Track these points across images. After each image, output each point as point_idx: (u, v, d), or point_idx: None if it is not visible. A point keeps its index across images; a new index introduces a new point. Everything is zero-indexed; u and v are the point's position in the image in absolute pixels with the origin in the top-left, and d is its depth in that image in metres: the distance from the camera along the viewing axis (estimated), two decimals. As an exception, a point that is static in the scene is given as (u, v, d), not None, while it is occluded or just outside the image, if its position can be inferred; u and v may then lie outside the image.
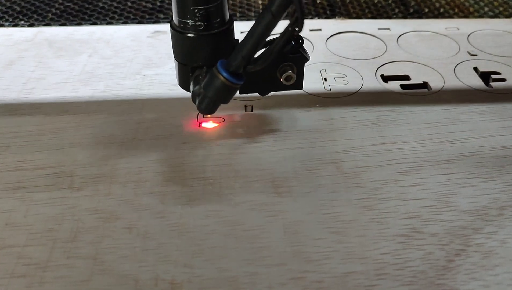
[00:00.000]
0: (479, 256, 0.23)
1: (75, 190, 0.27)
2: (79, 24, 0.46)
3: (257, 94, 0.30)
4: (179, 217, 0.25)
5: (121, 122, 0.32)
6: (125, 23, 0.46)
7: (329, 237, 0.24)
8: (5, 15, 0.47)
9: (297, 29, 0.22)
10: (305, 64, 0.29)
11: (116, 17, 0.47)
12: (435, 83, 0.36)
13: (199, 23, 0.25)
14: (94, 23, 0.46)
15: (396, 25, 0.45)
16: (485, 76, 0.37)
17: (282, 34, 0.24)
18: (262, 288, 0.22)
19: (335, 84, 0.36)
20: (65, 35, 0.43)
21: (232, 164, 0.28)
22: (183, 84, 0.29)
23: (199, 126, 0.31)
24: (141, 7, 0.49)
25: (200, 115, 0.32)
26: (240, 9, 0.49)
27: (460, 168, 0.28)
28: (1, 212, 0.25)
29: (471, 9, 0.49)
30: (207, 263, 0.23)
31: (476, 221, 0.25)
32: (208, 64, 0.27)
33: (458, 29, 0.44)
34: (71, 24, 0.46)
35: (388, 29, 0.44)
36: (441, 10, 0.49)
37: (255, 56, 0.25)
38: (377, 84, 0.36)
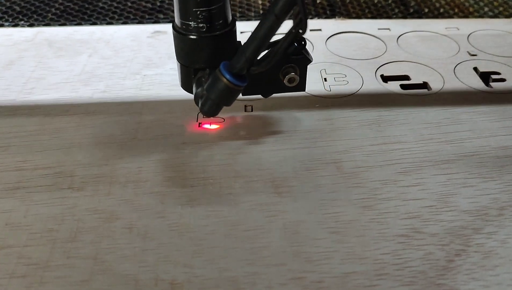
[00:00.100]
0: (479, 256, 0.23)
1: (75, 190, 0.27)
2: (79, 24, 0.46)
3: (258, 96, 0.30)
4: (179, 217, 0.25)
5: (121, 122, 0.32)
6: (125, 23, 0.46)
7: (329, 237, 0.24)
8: (5, 15, 0.47)
9: (301, 30, 0.22)
10: (306, 65, 0.29)
11: (116, 17, 0.47)
12: (435, 83, 0.36)
13: (201, 25, 0.25)
14: (94, 23, 0.46)
15: (396, 25, 0.45)
16: (485, 76, 0.37)
17: (286, 35, 0.23)
18: (262, 288, 0.22)
19: (335, 84, 0.36)
20: (65, 35, 0.43)
21: (232, 164, 0.28)
22: (186, 86, 0.29)
23: (199, 126, 0.31)
24: (141, 7, 0.49)
25: (200, 115, 0.32)
26: (240, 9, 0.49)
27: (460, 168, 0.28)
28: (1, 212, 0.25)
29: (471, 9, 0.49)
30: (207, 263, 0.23)
31: (476, 221, 0.25)
32: (211, 66, 0.27)
33: (458, 29, 0.44)
34: (71, 24, 0.46)
35: (388, 29, 0.44)
36: (441, 10, 0.49)
37: (258, 57, 0.25)
38: (377, 84, 0.36)
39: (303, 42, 0.28)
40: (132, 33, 0.43)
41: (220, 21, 0.26)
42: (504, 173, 0.28)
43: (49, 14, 0.48)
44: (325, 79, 0.36)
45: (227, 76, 0.24)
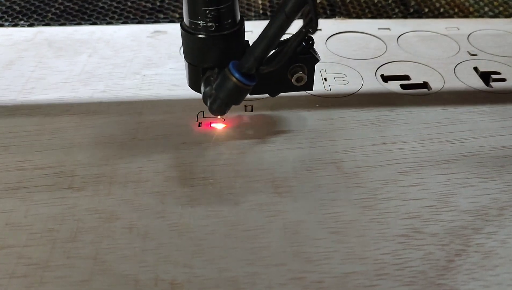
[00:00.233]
0: (479, 256, 0.23)
1: (75, 190, 0.27)
2: (79, 24, 0.46)
3: (259, 95, 0.30)
4: (179, 217, 0.25)
5: (121, 122, 0.32)
6: (125, 23, 0.46)
7: (329, 237, 0.24)
8: (5, 15, 0.47)
9: (311, 30, 0.22)
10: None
11: (116, 17, 0.47)
12: (435, 83, 0.36)
13: (210, 24, 0.25)
14: (94, 23, 0.46)
15: (396, 25, 0.45)
16: (485, 76, 0.37)
17: (296, 35, 0.23)
18: (262, 288, 0.22)
19: (335, 84, 0.36)
20: (65, 35, 0.43)
21: (232, 164, 0.28)
22: (193, 85, 0.29)
23: (199, 126, 0.31)
24: (141, 7, 0.49)
25: (200, 115, 0.32)
26: (240, 9, 0.49)
27: (460, 168, 0.28)
28: (1, 212, 0.25)
29: (471, 9, 0.49)
30: (207, 263, 0.23)
31: (476, 221, 0.25)
32: (219, 65, 0.27)
33: (458, 29, 0.44)
34: (71, 24, 0.46)
35: (388, 29, 0.44)
36: (441, 10, 0.49)
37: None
38: (377, 84, 0.36)
39: (311, 42, 0.28)
40: (132, 33, 0.43)
41: (229, 20, 0.26)
42: (504, 173, 0.28)
43: (49, 14, 0.48)
44: (325, 79, 0.36)
45: (236, 75, 0.24)
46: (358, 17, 0.47)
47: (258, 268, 0.23)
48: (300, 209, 0.26)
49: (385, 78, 0.37)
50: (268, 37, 0.23)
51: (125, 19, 0.47)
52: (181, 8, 0.50)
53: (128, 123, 0.31)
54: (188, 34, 0.26)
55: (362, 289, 0.22)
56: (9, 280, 0.22)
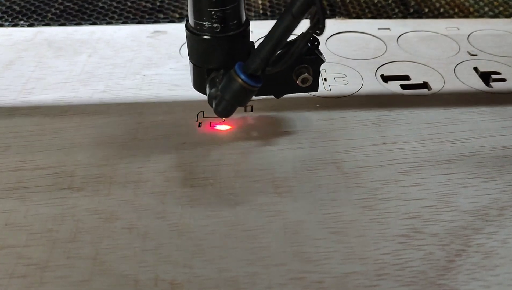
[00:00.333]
0: (479, 256, 0.23)
1: (75, 190, 0.27)
2: (78, 24, 0.46)
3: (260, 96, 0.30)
4: (179, 217, 0.25)
5: (121, 122, 0.32)
6: (125, 23, 0.46)
7: (329, 237, 0.24)
8: (4, 15, 0.47)
9: (318, 31, 0.22)
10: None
11: (116, 17, 0.47)
12: (435, 83, 0.36)
13: (215, 25, 0.25)
14: (94, 23, 0.46)
15: (396, 25, 0.45)
16: (485, 76, 0.37)
17: (303, 36, 0.23)
18: (262, 288, 0.22)
19: (335, 84, 0.36)
20: (64, 35, 0.43)
21: (232, 164, 0.28)
22: (198, 86, 0.29)
23: (199, 126, 0.31)
24: (141, 7, 0.49)
25: (200, 115, 0.32)
26: (240, 9, 0.49)
27: (461, 168, 0.28)
28: (1, 212, 0.25)
29: (471, 9, 0.49)
30: (207, 263, 0.23)
31: (477, 221, 0.25)
32: (224, 66, 0.27)
33: (458, 29, 0.44)
34: (70, 24, 0.46)
35: (388, 29, 0.44)
36: (441, 10, 0.49)
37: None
38: (377, 84, 0.36)
39: (316, 42, 0.28)
40: (132, 33, 0.43)
41: (235, 21, 0.26)
42: (504, 173, 0.28)
43: (49, 14, 0.48)
44: (325, 79, 0.36)
45: (242, 77, 0.24)
46: (358, 17, 0.47)
47: (258, 268, 0.23)
48: (300, 209, 0.25)
49: (385, 78, 0.37)
50: (275, 38, 0.23)
51: (125, 19, 0.47)
52: (181, 8, 0.50)
53: (128, 123, 0.31)
54: (193, 35, 0.26)
55: (362, 289, 0.22)
56: (9, 280, 0.22)
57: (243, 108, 0.33)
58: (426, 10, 0.49)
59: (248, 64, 0.24)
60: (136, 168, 0.28)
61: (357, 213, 0.25)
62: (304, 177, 0.27)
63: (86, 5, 0.49)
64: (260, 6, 0.50)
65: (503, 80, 0.37)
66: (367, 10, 0.49)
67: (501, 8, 0.50)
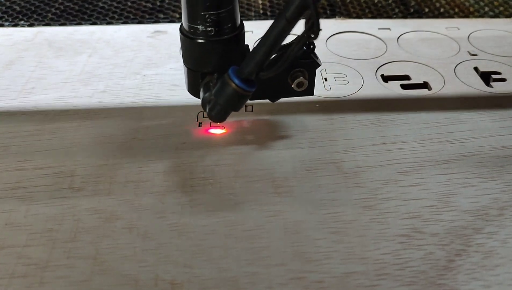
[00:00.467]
0: (479, 256, 0.23)
1: (75, 190, 0.27)
2: (79, 24, 0.46)
3: (255, 100, 0.30)
4: (179, 217, 0.25)
5: (121, 122, 0.32)
6: (125, 23, 0.46)
7: (329, 237, 0.24)
8: (5, 15, 0.47)
9: (312, 35, 0.22)
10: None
11: (116, 17, 0.47)
12: (436, 83, 0.36)
13: (209, 29, 0.25)
14: (94, 23, 0.46)
15: (396, 25, 0.45)
16: (486, 76, 0.37)
17: (297, 40, 0.23)
18: (262, 288, 0.22)
19: (335, 84, 0.36)
20: (65, 35, 0.43)
21: (232, 164, 0.28)
22: (192, 90, 0.29)
23: (199, 126, 0.31)
24: (141, 7, 0.49)
25: (200, 115, 0.32)
26: (240, 9, 0.49)
27: (461, 168, 0.28)
28: (1, 212, 0.25)
29: (471, 9, 0.49)
30: (207, 263, 0.23)
31: (477, 221, 0.25)
32: (219, 70, 0.26)
33: (458, 29, 0.44)
34: (71, 24, 0.46)
35: (388, 29, 0.44)
36: (441, 10, 0.49)
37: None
38: (378, 84, 0.36)
39: (312, 46, 0.28)
40: (132, 33, 0.43)
41: (229, 25, 0.25)
42: (504, 173, 0.28)
43: (49, 14, 0.48)
44: (326, 79, 0.36)
45: (236, 81, 0.24)
46: (358, 17, 0.47)
47: (258, 268, 0.23)
48: (300, 209, 0.25)
49: (386, 78, 0.37)
50: (269, 42, 0.23)
51: (125, 19, 0.47)
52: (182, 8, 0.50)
53: (128, 123, 0.31)
54: (187, 39, 0.26)
55: (362, 289, 0.22)
56: (9, 280, 0.22)
57: (244, 108, 0.33)
58: (426, 10, 0.49)
59: (242, 68, 0.24)
60: (136, 168, 0.28)
61: (357, 213, 0.25)
62: (304, 177, 0.27)
63: (86, 5, 0.49)
64: (260, 6, 0.50)
65: (503, 80, 0.37)
66: (367, 10, 0.49)
67: (501, 8, 0.50)
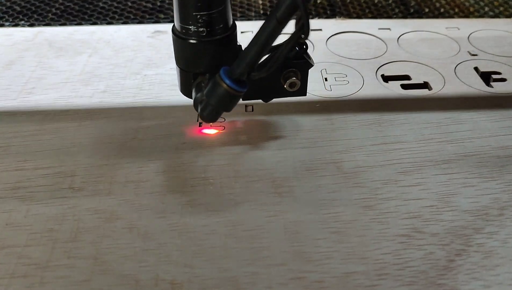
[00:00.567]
0: (480, 256, 0.23)
1: (76, 190, 0.27)
2: (79, 24, 0.46)
3: (248, 100, 0.30)
4: (180, 217, 0.25)
5: (121, 122, 0.32)
6: (125, 23, 0.46)
7: (330, 237, 0.24)
8: (5, 15, 0.47)
9: (303, 35, 0.22)
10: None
11: (116, 17, 0.47)
12: (436, 83, 0.36)
13: (201, 29, 0.25)
14: (94, 23, 0.46)
15: (396, 25, 0.45)
16: (486, 76, 0.37)
17: (288, 40, 0.23)
18: (262, 288, 0.22)
19: (336, 84, 0.36)
20: (65, 35, 0.43)
21: (232, 164, 0.28)
22: (185, 90, 0.29)
23: (199, 126, 0.31)
24: (141, 7, 0.49)
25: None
26: (241, 9, 0.49)
27: (461, 168, 0.28)
28: (1, 212, 0.25)
29: (471, 9, 0.49)
30: (207, 263, 0.23)
31: (477, 221, 0.25)
32: (211, 70, 0.26)
33: (459, 29, 0.44)
34: (71, 24, 0.46)
35: (389, 29, 0.44)
36: (441, 10, 0.49)
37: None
38: (378, 84, 0.36)
39: (304, 46, 0.28)
40: (133, 33, 0.43)
41: (221, 25, 0.25)
42: (504, 173, 0.28)
43: (50, 14, 0.48)
44: (326, 79, 0.36)
45: (227, 82, 0.24)
46: (358, 17, 0.47)
47: (258, 268, 0.23)
48: (300, 209, 0.25)
49: (386, 78, 0.37)
50: (260, 42, 0.23)
51: (126, 19, 0.47)
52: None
53: (128, 123, 0.31)
54: (179, 39, 0.26)
55: (362, 289, 0.22)
56: (9, 280, 0.22)
57: (244, 108, 0.33)
58: (426, 10, 0.49)
59: (233, 69, 0.24)
60: (136, 168, 0.28)
61: (357, 213, 0.25)
62: (304, 177, 0.27)
63: (87, 5, 0.49)
64: (260, 6, 0.50)
65: (503, 80, 0.37)
66: (367, 10, 0.49)
67: (501, 8, 0.50)
